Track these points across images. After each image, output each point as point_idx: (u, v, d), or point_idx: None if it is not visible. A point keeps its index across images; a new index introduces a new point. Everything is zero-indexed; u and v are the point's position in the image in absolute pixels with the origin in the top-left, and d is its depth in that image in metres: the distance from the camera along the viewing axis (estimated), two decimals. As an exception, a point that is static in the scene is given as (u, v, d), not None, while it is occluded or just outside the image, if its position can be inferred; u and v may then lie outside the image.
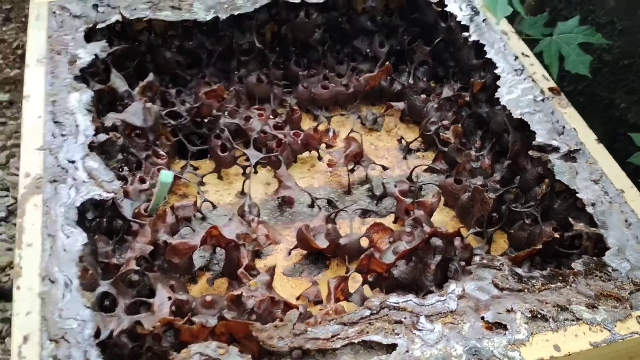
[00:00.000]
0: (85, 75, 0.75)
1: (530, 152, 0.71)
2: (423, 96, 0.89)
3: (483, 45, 0.83)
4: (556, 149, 0.71)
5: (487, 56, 0.82)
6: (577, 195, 0.68)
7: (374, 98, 0.93)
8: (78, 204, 0.61)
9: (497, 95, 0.77)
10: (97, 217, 0.65)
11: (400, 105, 0.90)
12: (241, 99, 0.87)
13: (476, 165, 0.80)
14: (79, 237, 0.58)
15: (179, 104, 0.84)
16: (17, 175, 2.16)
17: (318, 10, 0.88)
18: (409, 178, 0.82)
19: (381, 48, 0.93)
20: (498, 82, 0.79)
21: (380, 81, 0.90)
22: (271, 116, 0.85)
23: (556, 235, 0.67)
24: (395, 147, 0.88)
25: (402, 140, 0.88)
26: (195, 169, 0.83)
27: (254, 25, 0.86)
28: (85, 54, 0.76)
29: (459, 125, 0.83)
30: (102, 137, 0.69)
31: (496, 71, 0.80)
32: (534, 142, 0.72)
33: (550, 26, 1.02)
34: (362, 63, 0.94)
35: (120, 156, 0.71)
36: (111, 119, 0.73)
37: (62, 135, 0.66)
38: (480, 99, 0.84)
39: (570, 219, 0.67)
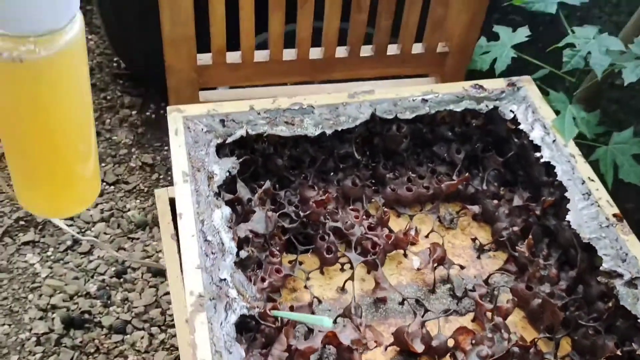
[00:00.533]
0: (219, 189, 0.89)
1: (599, 279, 0.85)
2: (495, 201, 1.02)
3: (554, 167, 0.96)
4: (620, 275, 0.84)
5: (558, 178, 0.94)
6: (638, 320, 0.81)
7: (450, 198, 1.06)
8: (234, 321, 0.74)
9: (567, 217, 0.90)
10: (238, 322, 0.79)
11: (476, 209, 1.03)
12: (338, 200, 1.00)
13: (544, 273, 0.93)
14: (239, 353, 0.72)
15: (286, 204, 0.98)
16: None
17: (407, 123, 1.01)
18: (486, 282, 0.95)
19: (458, 154, 1.06)
20: (568, 206, 0.91)
21: (458, 187, 1.03)
22: (364, 217, 0.99)
23: (618, 352, 0.81)
24: (470, 246, 1.02)
25: (476, 240, 1.01)
26: (300, 263, 0.96)
27: (352, 138, 0.99)
28: (220, 170, 0.89)
29: (530, 237, 0.96)
30: (244, 254, 0.82)
31: (565, 194, 0.93)
32: (601, 269, 0.85)
33: (601, 123, 1.14)
34: (439, 165, 1.07)
35: (252, 266, 0.85)
36: (243, 229, 0.86)
37: (213, 253, 0.80)
38: (548, 212, 0.97)
39: (633, 344, 0.80)
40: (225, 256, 0.80)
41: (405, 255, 0.99)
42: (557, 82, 1.11)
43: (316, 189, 0.99)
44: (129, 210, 2.05)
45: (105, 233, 2.04)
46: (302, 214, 0.94)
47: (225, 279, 0.78)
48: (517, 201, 1.01)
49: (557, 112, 1.03)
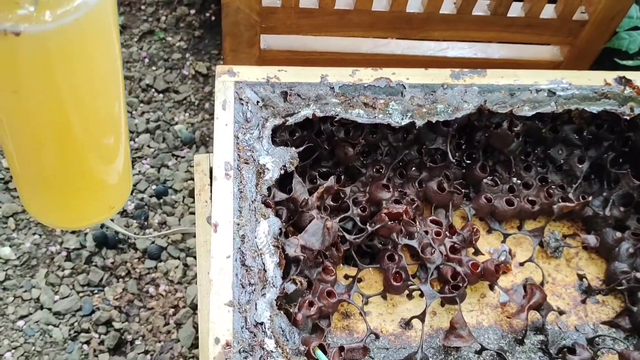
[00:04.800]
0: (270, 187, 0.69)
1: None
2: (618, 233, 0.80)
3: None
4: None
5: None
6: None
7: (558, 216, 0.83)
8: (267, 386, 0.57)
9: None
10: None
11: (592, 240, 0.81)
12: (416, 205, 0.79)
13: (669, 344, 0.72)
14: None
15: (351, 204, 0.78)
16: (127, 111, 2.09)
17: (523, 120, 0.78)
18: (590, 342, 0.75)
19: (579, 164, 0.82)
20: None
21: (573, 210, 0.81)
22: (448, 234, 0.78)
23: None
24: (574, 284, 0.81)
25: (584, 279, 0.80)
26: (359, 280, 0.77)
27: (449, 132, 0.77)
28: (273, 164, 0.69)
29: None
30: (291, 287, 0.64)
31: None
32: None
33: None
34: (552, 173, 0.84)
35: (299, 299, 0.67)
36: (294, 246, 0.67)
37: (250, 284, 0.62)
38: (690, 266, 0.75)
39: None
40: (267, 289, 0.62)
41: (491, 287, 0.79)
42: None
43: (391, 190, 0.78)
44: (176, 123, 1.89)
45: (149, 146, 1.90)
46: (369, 227, 0.74)
47: (262, 323, 0.60)
48: (648, 240, 0.78)
49: None
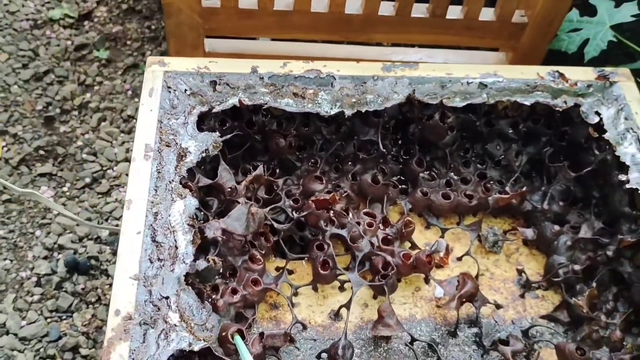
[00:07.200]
0: (193, 172, 0.69)
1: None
2: (556, 227, 0.78)
3: (643, 197, 0.71)
4: None
5: (646, 214, 0.70)
6: None
7: (498, 212, 0.83)
8: (165, 359, 0.56)
9: (650, 271, 0.66)
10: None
11: (529, 233, 0.79)
12: (351, 198, 0.79)
13: (604, 334, 0.70)
14: (162, 406, 0.54)
15: (284, 196, 0.77)
16: (107, 140, 2.12)
17: (455, 112, 0.78)
18: (525, 333, 0.73)
19: (516, 158, 0.82)
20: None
21: (511, 202, 0.80)
22: (381, 226, 0.77)
23: None
24: (513, 279, 0.79)
25: (523, 273, 0.78)
26: (290, 272, 0.76)
27: (380, 123, 0.77)
28: (195, 148, 0.69)
29: (594, 285, 0.73)
30: (202, 264, 0.63)
31: (654, 238, 0.68)
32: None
33: None
34: (490, 169, 0.83)
35: (215, 280, 0.66)
36: (214, 228, 0.67)
37: (159, 259, 0.61)
38: (624, 255, 0.73)
39: None
40: (176, 265, 0.61)
41: (426, 280, 0.77)
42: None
43: (324, 182, 0.78)
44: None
45: (126, 174, 1.91)
46: (296, 215, 0.73)
47: (167, 297, 0.59)
48: (584, 232, 0.77)
49: (660, 122, 0.77)
